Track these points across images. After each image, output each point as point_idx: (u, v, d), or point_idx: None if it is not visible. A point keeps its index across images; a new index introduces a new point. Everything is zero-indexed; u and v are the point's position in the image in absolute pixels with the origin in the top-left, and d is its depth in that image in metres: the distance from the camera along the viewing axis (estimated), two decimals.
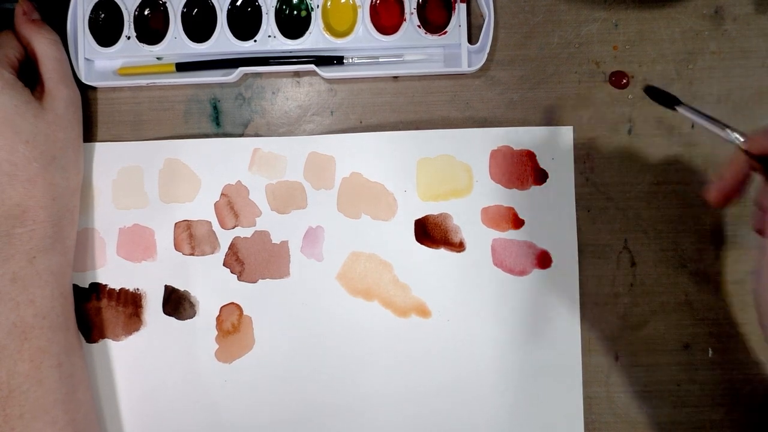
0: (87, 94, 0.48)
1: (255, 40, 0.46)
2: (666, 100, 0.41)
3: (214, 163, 0.47)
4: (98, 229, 0.47)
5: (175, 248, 0.47)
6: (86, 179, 0.47)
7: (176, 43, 0.46)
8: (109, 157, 0.47)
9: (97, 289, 0.47)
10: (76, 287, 0.47)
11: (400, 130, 0.47)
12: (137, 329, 0.46)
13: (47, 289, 0.41)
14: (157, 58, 0.48)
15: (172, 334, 0.46)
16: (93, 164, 0.47)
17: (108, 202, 0.47)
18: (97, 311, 0.47)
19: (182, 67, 0.47)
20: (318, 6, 0.46)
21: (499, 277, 0.46)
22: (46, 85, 0.43)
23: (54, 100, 0.42)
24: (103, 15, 0.47)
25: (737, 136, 0.37)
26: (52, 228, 0.42)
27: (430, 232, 0.46)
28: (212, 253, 0.47)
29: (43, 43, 0.43)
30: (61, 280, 0.42)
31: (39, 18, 0.44)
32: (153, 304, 0.47)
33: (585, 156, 0.47)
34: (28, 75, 0.44)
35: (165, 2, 0.46)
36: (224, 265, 0.47)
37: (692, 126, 0.47)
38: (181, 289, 0.47)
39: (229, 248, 0.47)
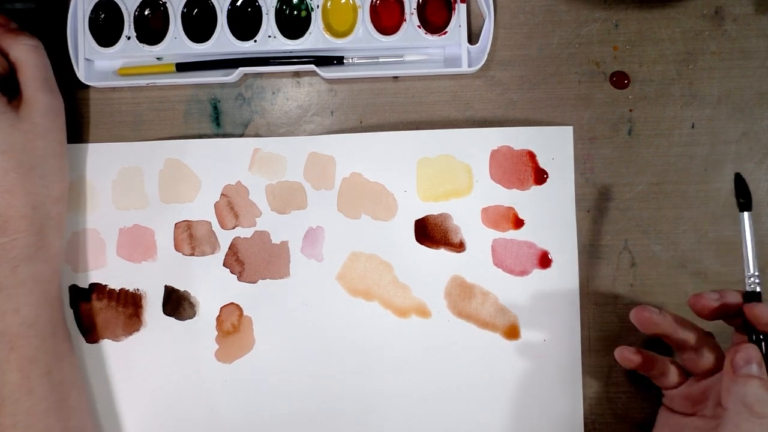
0: (87, 94, 0.48)
1: (255, 40, 0.46)
2: (745, 197, 0.39)
3: (214, 164, 0.47)
4: (98, 229, 0.47)
5: (176, 248, 0.47)
6: (85, 180, 0.47)
7: (176, 43, 0.46)
8: (109, 158, 0.47)
9: (97, 289, 0.47)
10: (75, 287, 0.47)
11: (400, 130, 0.47)
12: (137, 329, 0.46)
13: (32, 298, 0.41)
14: (157, 59, 0.48)
15: (172, 335, 0.46)
16: (93, 165, 0.47)
17: (108, 203, 0.47)
18: (97, 311, 0.47)
19: (182, 67, 0.47)
20: (318, 6, 0.46)
21: (500, 277, 0.46)
22: (24, 92, 0.42)
23: (30, 108, 0.41)
24: (103, 15, 0.47)
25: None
26: (34, 236, 0.41)
27: (430, 233, 0.46)
28: (212, 253, 0.47)
29: (21, 50, 0.42)
30: (47, 287, 0.42)
31: (17, 27, 0.43)
32: (153, 304, 0.47)
33: (585, 156, 0.47)
34: (14, 84, 0.43)
35: (165, 2, 0.46)
36: (224, 265, 0.47)
37: (692, 126, 0.47)
38: (181, 289, 0.47)
39: (229, 248, 0.47)
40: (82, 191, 0.47)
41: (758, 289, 0.38)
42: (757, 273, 0.38)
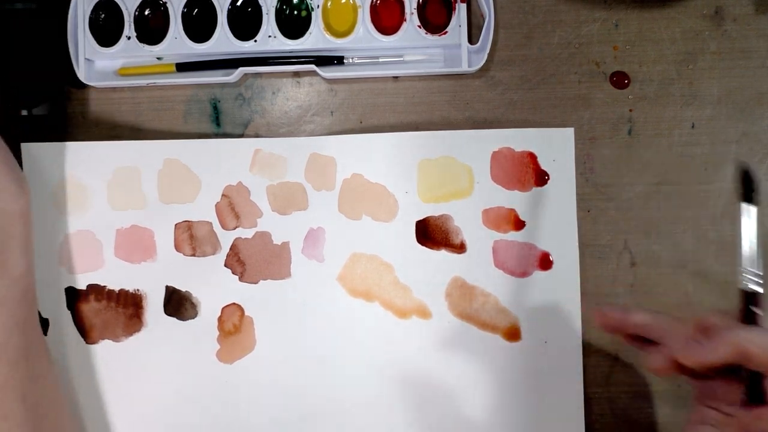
0: (87, 94, 0.48)
1: (255, 40, 0.46)
2: (747, 188, 0.36)
3: (214, 164, 0.47)
4: (93, 230, 0.47)
5: (176, 249, 0.47)
6: (76, 180, 0.47)
7: (176, 43, 0.46)
8: (103, 157, 0.47)
9: (95, 290, 0.47)
10: (72, 289, 0.46)
11: (400, 130, 0.47)
12: (138, 330, 0.46)
13: None
14: (158, 58, 0.47)
15: (174, 335, 0.46)
16: (85, 165, 0.47)
17: (103, 203, 0.47)
18: (96, 312, 0.46)
19: (182, 67, 0.47)
20: (318, 6, 0.46)
21: (501, 278, 0.46)
22: None
23: None
24: (103, 15, 0.46)
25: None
26: None
27: (431, 234, 0.46)
28: (213, 253, 0.47)
29: None
30: (13, 310, 0.39)
31: None
32: (154, 304, 0.46)
33: (585, 156, 0.47)
34: None
35: (165, 2, 0.46)
36: (225, 265, 0.46)
37: (692, 126, 0.47)
38: (183, 289, 0.46)
39: (231, 249, 0.47)
40: (73, 192, 0.47)
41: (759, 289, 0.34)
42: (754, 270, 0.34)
